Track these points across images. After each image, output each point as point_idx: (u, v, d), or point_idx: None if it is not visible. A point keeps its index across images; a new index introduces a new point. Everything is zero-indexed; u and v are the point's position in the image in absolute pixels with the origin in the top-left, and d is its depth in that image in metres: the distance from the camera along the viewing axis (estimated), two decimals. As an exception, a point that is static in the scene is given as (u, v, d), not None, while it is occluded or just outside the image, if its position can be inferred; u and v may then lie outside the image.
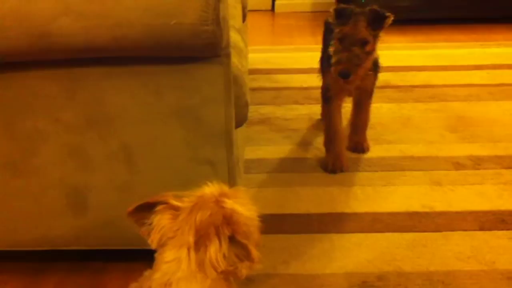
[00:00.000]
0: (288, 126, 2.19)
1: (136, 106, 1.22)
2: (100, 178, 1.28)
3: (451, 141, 2.04)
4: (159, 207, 0.91)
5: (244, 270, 0.86)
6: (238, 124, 1.34)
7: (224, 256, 0.84)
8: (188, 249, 0.85)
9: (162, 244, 0.89)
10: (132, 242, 1.34)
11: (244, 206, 0.90)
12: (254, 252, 0.85)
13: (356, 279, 1.34)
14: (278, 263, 1.40)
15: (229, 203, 0.88)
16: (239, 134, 1.44)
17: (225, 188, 0.92)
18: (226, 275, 0.87)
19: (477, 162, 1.88)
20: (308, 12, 4.33)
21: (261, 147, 2.02)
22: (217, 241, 0.84)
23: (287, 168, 1.88)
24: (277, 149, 2.00)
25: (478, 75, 2.71)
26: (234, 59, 1.32)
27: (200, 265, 0.84)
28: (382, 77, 2.45)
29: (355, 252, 1.45)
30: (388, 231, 1.53)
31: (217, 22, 1.11)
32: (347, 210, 1.63)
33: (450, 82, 2.63)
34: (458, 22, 3.73)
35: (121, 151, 1.26)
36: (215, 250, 0.84)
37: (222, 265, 0.84)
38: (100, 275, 1.39)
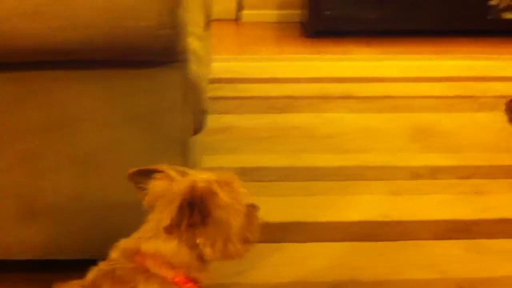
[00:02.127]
0: (249, 135, 2.18)
1: (90, 112, 1.19)
2: (53, 185, 1.24)
3: (411, 151, 2.07)
4: (157, 175, 0.97)
5: (207, 250, 0.94)
6: (196, 131, 1.32)
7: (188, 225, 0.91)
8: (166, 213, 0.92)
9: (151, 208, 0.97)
10: (89, 252, 1.29)
11: (229, 194, 0.95)
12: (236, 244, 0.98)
13: (312, 289, 1.34)
14: (233, 273, 1.38)
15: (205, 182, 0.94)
16: (197, 141, 1.43)
17: (226, 176, 0.98)
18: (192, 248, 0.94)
19: (434, 172, 1.91)
20: (273, 22, 4.35)
21: (222, 156, 2.01)
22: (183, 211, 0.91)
23: (247, 177, 1.85)
24: (237, 158, 1.99)
25: (438, 87, 2.77)
26: (193, 66, 1.30)
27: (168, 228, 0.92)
28: (345, 88, 2.49)
29: (312, 261, 1.44)
30: (346, 240, 1.54)
31: (174, 26, 1.09)
32: (306, 219, 1.63)
33: (411, 93, 2.67)
34: (418, 34, 3.81)
35: (76, 157, 1.22)
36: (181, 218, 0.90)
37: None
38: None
